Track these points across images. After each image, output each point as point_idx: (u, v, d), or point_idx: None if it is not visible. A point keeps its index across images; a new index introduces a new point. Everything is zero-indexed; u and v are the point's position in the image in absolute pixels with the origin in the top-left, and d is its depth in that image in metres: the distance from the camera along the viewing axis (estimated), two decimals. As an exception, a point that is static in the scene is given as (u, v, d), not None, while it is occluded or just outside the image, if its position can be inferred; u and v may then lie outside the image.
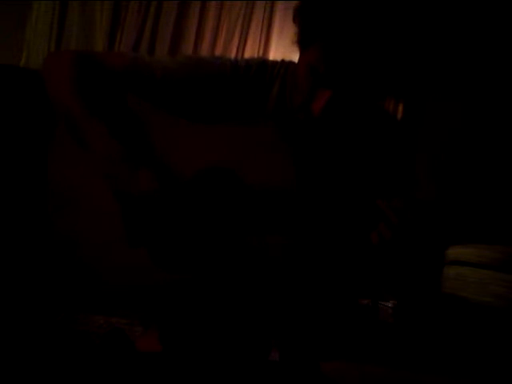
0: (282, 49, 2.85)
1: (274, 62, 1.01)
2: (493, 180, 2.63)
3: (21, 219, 2.00)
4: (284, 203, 0.86)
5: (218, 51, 2.88)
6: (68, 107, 0.93)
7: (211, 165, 0.90)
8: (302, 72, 0.90)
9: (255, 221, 0.87)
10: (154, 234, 0.90)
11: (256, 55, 2.85)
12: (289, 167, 0.87)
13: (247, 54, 2.86)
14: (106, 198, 0.94)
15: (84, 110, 0.92)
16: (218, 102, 0.97)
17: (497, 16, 2.73)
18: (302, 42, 0.93)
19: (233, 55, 2.84)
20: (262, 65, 0.99)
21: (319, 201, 0.86)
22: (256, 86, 0.97)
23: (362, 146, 1.01)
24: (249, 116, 0.97)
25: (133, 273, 0.92)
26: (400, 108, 2.83)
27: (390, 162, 1.03)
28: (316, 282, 0.99)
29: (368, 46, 0.82)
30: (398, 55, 0.84)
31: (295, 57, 1.01)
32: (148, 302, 0.99)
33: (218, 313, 0.92)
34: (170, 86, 0.98)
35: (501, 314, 1.99)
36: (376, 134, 1.02)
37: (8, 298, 1.78)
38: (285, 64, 1.00)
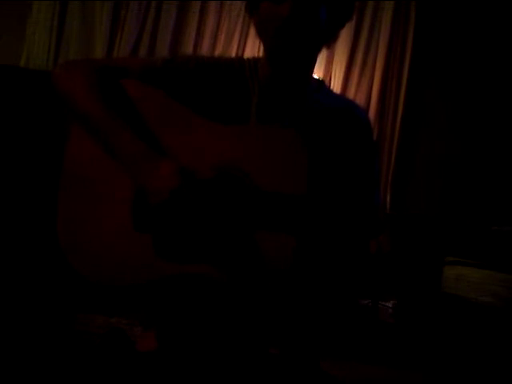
0: (282, 49, 2.84)
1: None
2: (493, 187, 2.62)
3: (22, 220, 2.00)
4: (293, 207, 0.86)
5: (218, 51, 2.88)
6: (89, 113, 0.93)
7: (225, 163, 0.91)
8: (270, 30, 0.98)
9: (263, 222, 0.87)
10: (162, 225, 0.90)
11: (256, 55, 2.85)
12: (302, 172, 0.88)
13: (247, 54, 2.86)
14: (118, 183, 0.94)
15: (107, 112, 0.93)
16: (223, 96, 1.03)
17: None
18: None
19: (233, 55, 2.84)
20: (240, 58, 1.14)
21: (327, 206, 0.87)
22: (242, 74, 1.09)
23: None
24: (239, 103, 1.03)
25: (133, 264, 0.91)
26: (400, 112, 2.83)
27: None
28: (319, 282, 1.00)
29: None
30: None
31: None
32: (147, 299, 0.99)
33: (217, 309, 0.92)
34: (200, 77, 1.02)
35: (500, 313, 1.99)
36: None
37: (8, 298, 1.79)
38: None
